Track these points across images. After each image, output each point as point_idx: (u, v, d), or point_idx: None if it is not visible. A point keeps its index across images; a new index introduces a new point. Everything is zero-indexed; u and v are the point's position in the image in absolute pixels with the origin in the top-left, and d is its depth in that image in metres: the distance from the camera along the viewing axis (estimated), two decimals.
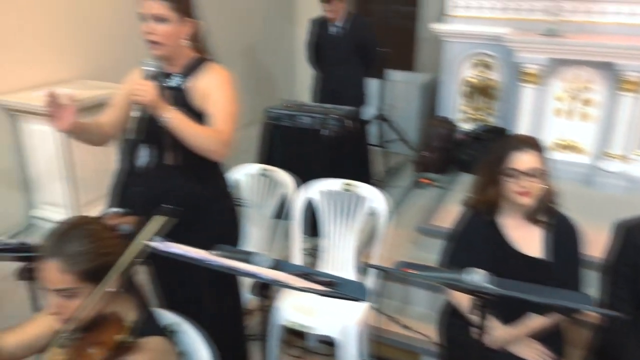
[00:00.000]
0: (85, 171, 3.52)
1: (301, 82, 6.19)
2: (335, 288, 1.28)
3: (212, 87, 1.88)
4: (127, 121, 1.98)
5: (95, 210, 3.55)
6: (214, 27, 5.38)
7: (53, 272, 1.25)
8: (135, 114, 1.75)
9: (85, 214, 3.55)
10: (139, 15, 1.83)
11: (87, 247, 1.27)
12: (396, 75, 5.30)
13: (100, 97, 3.51)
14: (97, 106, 3.48)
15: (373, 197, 2.50)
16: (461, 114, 4.43)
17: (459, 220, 2.04)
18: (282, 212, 2.63)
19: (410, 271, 1.33)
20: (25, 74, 3.52)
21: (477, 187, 1.98)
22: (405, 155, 5.02)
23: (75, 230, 1.29)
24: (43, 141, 3.43)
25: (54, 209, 3.60)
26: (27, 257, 1.56)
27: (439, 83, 4.48)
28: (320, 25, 4.40)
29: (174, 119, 1.75)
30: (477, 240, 1.93)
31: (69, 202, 3.51)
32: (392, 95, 5.24)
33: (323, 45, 4.41)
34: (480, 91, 4.34)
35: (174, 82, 1.92)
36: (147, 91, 1.70)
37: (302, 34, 5.49)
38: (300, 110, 3.70)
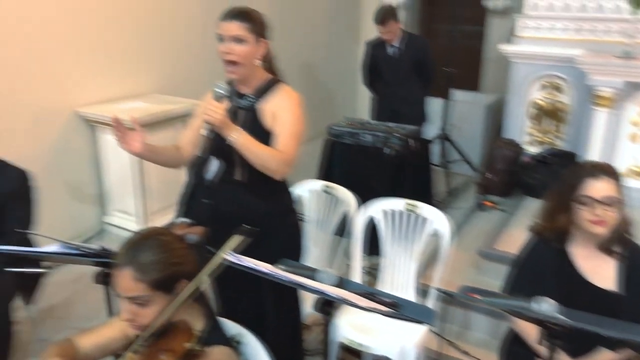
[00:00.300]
0: (155, 182, 3.68)
1: (364, 100, 6.23)
2: (400, 310, 1.28)
3: (281, 108, 1.94)
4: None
5: (163, 219, 3.70)
6: (280, 43, 5.49)
7: (127, 280, 1.31)
8: (204, 132, 1.82)
9: (153, 222, 3.73)
10: (218, 36, 1.91)
11: (159, 257, 1.33)
12: (461, 95, 5.24)
13: (172, 111, 3.68)
14: (168, 120, 3.65)
15: (436, 219, 2.48)
16: (528, 137, 4.32)
17: (524, 246, 1.99)
18: (343, 229, 2.65)
19: (476, 297, 1.31)
20: (104, 87, 3.74)
21: (545, 214, 1.93)
22: (467, 176, 4.93)
23: (148, 240, 1.35)
24: (117, 152, 3.61)
25: (125, 217, 3.77)
26: (105, 262, 1.64)
27: (505, 104, 4.39)
28: (376, 47, 4.43)
29: (240, 139, 1.82)
30: (544, 269, 1.87)
31: (139, 210, 3.67)
32: (456, 115, 5.18)
33: (381, 66, 4.43)
34: (549, 114, 4.22)
35: (246, 102, 1.99)
36: (217, 113, 1.78)
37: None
38: (363, 128, 3.72)
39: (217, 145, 1.97)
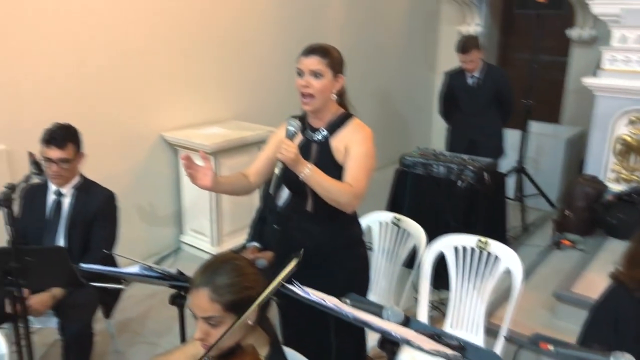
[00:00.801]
0: (229, 204, 3.81)
1: (438, 131, 6.18)
2: (466, 354, 1.26)
3: (353, 142, 1.97)
4: (271, 170, 2.13)
5: (235, 241, 3.82)
6: (355, 70, 5.52)
7: (203, 300, 1.38)
8: (277, 171, 1.87)
9: (226, 243, 3.85)
10: (297, 70, 1.99)
11: (234, 280, 1.39)
12: (540, 128, 5.08)
13: (249, 138, 3.81)
14: (245, 146, 3.78)
15: (508, 258, 2.40)
16: (612, 174, 4.10)
17: (605, 292, 1.88)
18: (412, 261, 2.62)
19: (548, 348, 1.26)
20: (186, 113, 3.95)
21: (628, 260, 1.82)
22: (544, 212, 4.74)
23: (225, 264, 1.42)
24: None
25: (200, 237, 3.93)
26: (180, 286, 1.72)
27: (588, 138, 4.21)
28: (455, 77, 4.40)
29: (311, 175, 1.87)
30: (624, 321, 1.76)
31: (214, 231, 3.80)
32: (534, 147, 5.01)
33: (460, 96, 4.39)
34: (637, 150, 4.00)
35: (319, 136, 2.05)
36: (289, 151, 1.83)
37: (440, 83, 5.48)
38: (436, 159, 3.68)
39: (289, 178, 2.03)
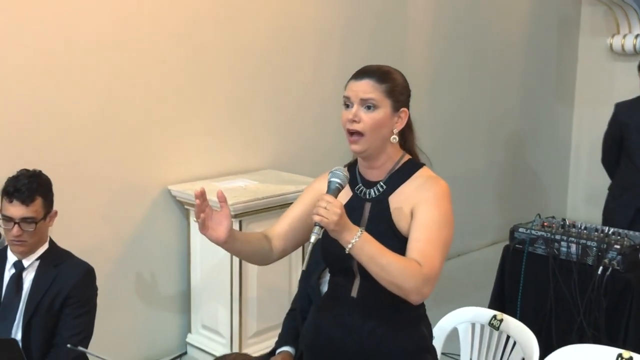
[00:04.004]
0: (257, 290, 3.90)
1: (575, 190, 6.10)
2: None
3: (422, 202, 2.02)
4: (301, 236, 2.21)
5: (263, 345, 3.87)
6: (445, 101, 5.58)
7: None
8: (313, 238, 1.92)
9: (252, 348, 3.90)
10: (344, 100, 2.08)
11: None
12: None
13: (286, 193, 3.90)
14: (283, 206, 3.89)
15: None
16: None
17: None
18: None
19: None
20: (203, 160, 4.13)
21: None
22: None
23: None
24: (213, 246, 3.91)
25: (214, 337, 4.01)
26: None
27: None
28: (629, 111, 4.41)
29: (361, 244, 1.90)
30: None
31: (234, 329, 3.88)
32: None
33: (633, 141, 4.40)
34: None
35: (374, 192, 2.12)
36: (331, 211, 1.88)
37: (582, 119, 5.50)
38: (566, 232, 3.67)
39: (328, 249, 2.10)
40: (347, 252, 1.92)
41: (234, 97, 4.26)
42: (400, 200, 2.07)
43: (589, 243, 3.56)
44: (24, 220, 2.65)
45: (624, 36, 6.09)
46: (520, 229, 3.79)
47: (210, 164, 4.18)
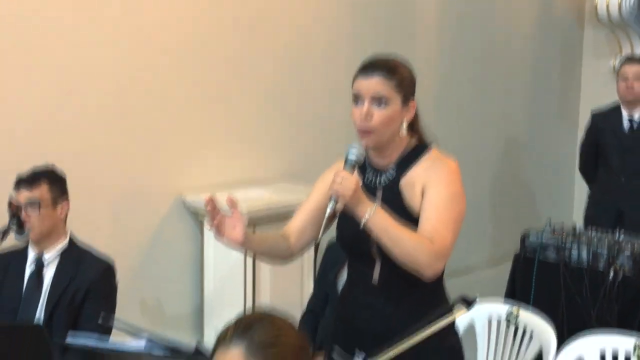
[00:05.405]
0: (271, 297, 3.91)
1: (581, 200, 6.13)
2: None
3: (432, 181, 2.08)
4: (318, 228, 2.21)
5: None
6: (457, 118, 5.53)
7: None
8: (329, 210, 1.97)
9: None
10: (353, 96, 2.13)
11: (276, 339, 1.49)
12: None
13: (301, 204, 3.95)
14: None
15: None
16: None
17: None
18: None
19: None
20: (217, 169, 4.16)
21: None
22: None
23: (262, 320, 1.53)
24: (227, 257, 3.93)
25: None
26: None
27: None
28: (605, 118, 4.52)
29: (375, 217, 1.96)
30: None
31: None
32: None
33: (609, 147, 4.49)
34: None
35: (385, 178, 2.16)
36: (348, 185, 1.93)
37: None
38: (576, 239, 3.70)
39: (345, 228, 2.14)
40: (362, 228, 1.97)
41: (252, 103, 4.28)
42: (411, 183, 2.11)
43: (599, 250, 3.59)
44: (29, 204, 2.69)
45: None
46: (531, 236, 3.81)
47: (224, 172, 4.20)
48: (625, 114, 4.39)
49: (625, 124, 4.39)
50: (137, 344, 1.89)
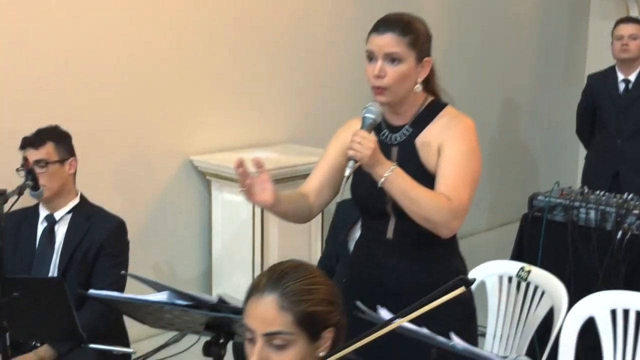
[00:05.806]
0: (280, 257, 3.92)
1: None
2: None
3: (448, 139, 2.08)
4: (335, 185, 2.23)
5: None
6: (464, 79, 5.52)
7: (269, 309, 1.50)
8: (347, 172, 1.97)
9: None
10: (367, 54, 2.11)
11: (310, 287, 1.53)
12: None
13: (309, 166, 3.96)
14: (303, 177, 3.94)
15: None
16: None
17: None
18: (544, 333, 2.65)
19: None
20: (225, 132, 4.18)
21: None
22: None
23: (297, 268, 1.57)
24: (236, 218, 3.95)
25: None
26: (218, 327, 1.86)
27: None
28: (602, 81, 4.52)
29: (393, 178, 1.97)
30: None
31: None
32: None
33: (604, 109, 4.51)
34: None
35: (401, 136, 2.16)
36: (366, 145, 1.93)
37: None
38: (584, 200, 3.70)
39: (361, 188, 2.15)
40: (379, 187, 1.98)
41: (261, 66, 4.31)
42: (427, 141, 2.11)
43: (607, 209, 3.60)
44: (36, 163, 2.71)
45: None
46: (539, 197, 3.82)
47: (232, 134, 4.22)
48: (620, 75, 4.38)
49: (621, 85, 4.39)
50: (159, 295, 1.90)
